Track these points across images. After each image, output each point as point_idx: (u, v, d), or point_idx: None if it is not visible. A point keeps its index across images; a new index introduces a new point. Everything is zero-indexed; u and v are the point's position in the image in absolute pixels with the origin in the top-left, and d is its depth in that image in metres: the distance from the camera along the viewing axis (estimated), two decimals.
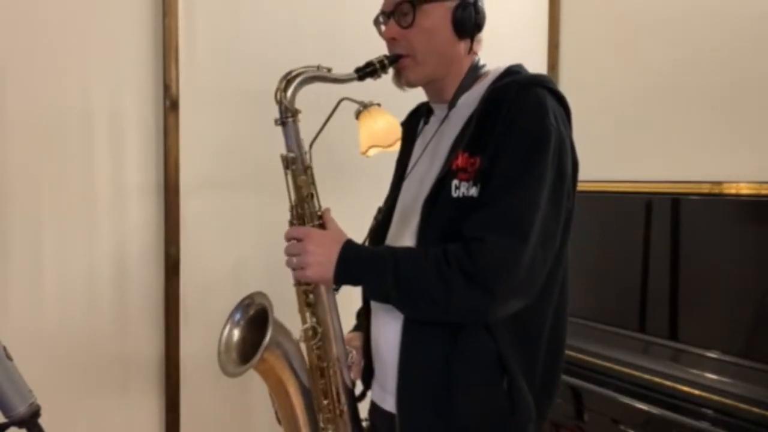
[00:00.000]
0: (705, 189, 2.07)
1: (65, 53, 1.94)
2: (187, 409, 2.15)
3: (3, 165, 1.87)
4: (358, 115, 1.99)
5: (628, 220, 2.29)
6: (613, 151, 2.66)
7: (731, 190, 2.00)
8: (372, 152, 2.00)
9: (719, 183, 2.04)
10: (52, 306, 1.95)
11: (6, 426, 0.99)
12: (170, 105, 2.08)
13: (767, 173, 2.08)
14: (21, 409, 0.97)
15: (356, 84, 1.24)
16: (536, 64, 2.89)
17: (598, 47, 2.79)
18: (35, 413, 0.99)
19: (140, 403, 2.11)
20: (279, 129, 1.22)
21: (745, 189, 1.98)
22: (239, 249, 2.25)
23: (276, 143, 1.24)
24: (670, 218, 2.15)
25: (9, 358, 0.99)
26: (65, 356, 1.97)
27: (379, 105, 1.95)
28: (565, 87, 2.90)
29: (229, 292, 2.18)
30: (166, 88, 2.07)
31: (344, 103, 1.93)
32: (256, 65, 2.19)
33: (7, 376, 0.97)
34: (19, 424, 0.98)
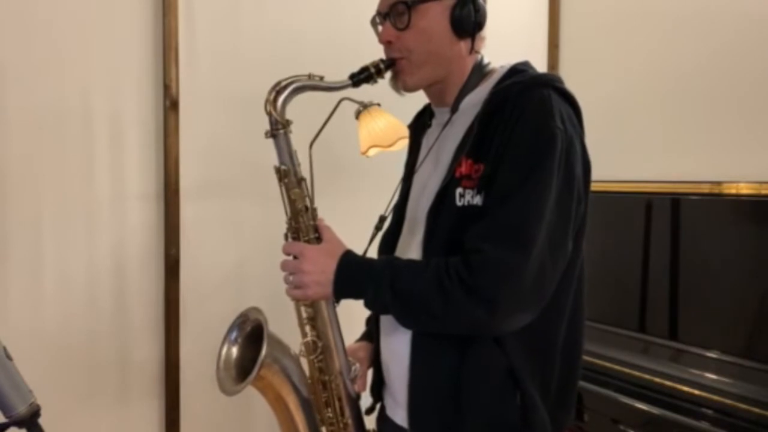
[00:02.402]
0: (705, 189, 2.07)
1: (65, 53, 1.94)
2: (188, 409, 2.15)
3: (3, 165, 1.87)
4: (358, 115, 1.99)
5: (628, 220, 2.29)
6: (613, 151, 2.65)
7: (731, 190, 2.00)
8: (372, 152, 2.00)
9: (719, 183, 2.04)
10: (52, 307, 1.94)
11: (6, 426, 0.99)
12: (170, 105, 2.07)
13: (767, 173, 2.08)
14: (21, 409, 0.97)
15: None
16: (536, 64, 2.88)
17: (598, 47, 2.79)
18: (35, 413, 0.99)
19: (140, 404, 2.10)
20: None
21: (745, 189, 1.98)
22: (240, 250, 2.25)
23: None
24: (670, 218, 2.15)
25: (9, 358, 0.99)
26: (65, 357, 1.96)
27: (379, 105, 1.95)
28: None
29: (230, 294, 2.22)
30: (166, 88, 2.07)
31: (344, 103, 1.93)
32: (256, 65, 2.19)
33: (7, 376, 0.97)
34: (19, 424, 0.98)
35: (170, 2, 2.05)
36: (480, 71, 1.20)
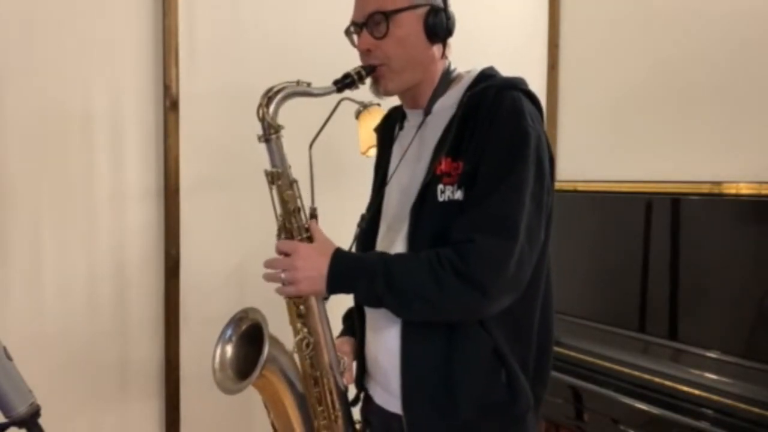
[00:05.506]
0: (705, 189, 2.07)
1: (65, 54, 1.94)
2: (188, 409, 2.15)
3: (3, 165, 1.87)
4: (358, 115, 1.99)
5: (628, 220, 2.29)
6: (613, 151, 2.65)
7: (731, 190, 2.01)
8: (372, 152, 2.00)
9: (719, 183, 2.04)
10: (52, 307, 1.94)
11: (6, 426, 0.99)
12: (170, 105, 2.07)
13: (767, 173, 2.08)
14: (21, 409, 0.97)
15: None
16: (536, 64, 2.89)
17: (598, 47, 2.79)
18: (35, 413, 0.99)
19: (140, 405, 2.10)
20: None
21: (745, 189, 1.98)
22: (240, 250, 2.25)
23: None
24: (670, 218, 2.15)
25: (9, 358, 0.99)
26: (65, 357, 1.96)
27: (379, 105, 1.95)
28: (565, 87, 2.90)
29: (230, 294, 2.21)
30: (166, 88, 2.07)
31: (344, 103, 1.93)
32: (256, 65, 2.19)
33: (7, 376, 0.97)
34: (19, 424, 0.98)
35: (170, 2, 2.05)
36: (448, 76, 1.28)
